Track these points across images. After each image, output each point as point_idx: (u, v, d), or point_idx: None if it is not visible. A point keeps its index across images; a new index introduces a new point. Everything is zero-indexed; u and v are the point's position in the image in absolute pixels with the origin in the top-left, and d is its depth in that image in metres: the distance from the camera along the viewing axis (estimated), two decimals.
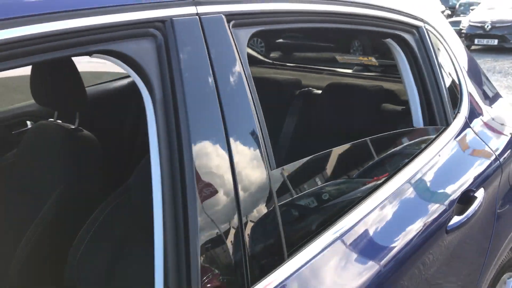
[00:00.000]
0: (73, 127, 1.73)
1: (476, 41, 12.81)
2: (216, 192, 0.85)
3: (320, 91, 2.15)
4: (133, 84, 2.55)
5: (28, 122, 2.15)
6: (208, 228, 0.84)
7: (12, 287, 1.55)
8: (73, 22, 0.73)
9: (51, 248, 1.56)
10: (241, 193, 0.88)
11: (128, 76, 2.60)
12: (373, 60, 2.52)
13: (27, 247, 1.54)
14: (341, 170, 1.24)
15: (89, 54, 0.83)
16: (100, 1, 0.77)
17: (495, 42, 12.43)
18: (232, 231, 0.86)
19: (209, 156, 0.85)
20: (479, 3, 16.29)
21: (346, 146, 1.23)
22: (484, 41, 12.69)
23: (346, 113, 1.88)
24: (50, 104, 1.78)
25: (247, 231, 0.88)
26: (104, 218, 1.40)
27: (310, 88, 2.24)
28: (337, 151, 1.20)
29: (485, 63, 10.66)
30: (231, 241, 0.86)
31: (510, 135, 1.71)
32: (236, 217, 0.87)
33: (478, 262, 1.52)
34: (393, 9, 1.39)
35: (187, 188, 0.81)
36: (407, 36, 1.44)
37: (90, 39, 0.76)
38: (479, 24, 12.69)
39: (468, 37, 12.89)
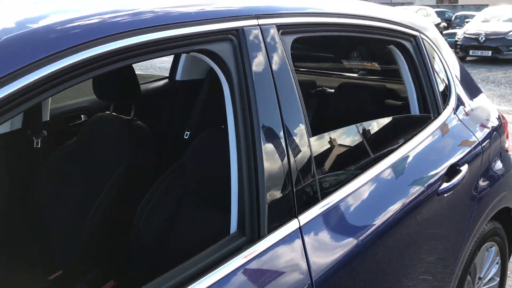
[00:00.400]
0: (129, 117, 2.10)
1: (471, 52, 13.25)
2: (275, 153, 1.21)
3: (332, 90, 2.54)
4: (166, 85, 2.93)
5: (82, 116, 2.51)
6: (271, 180, 1.19)
7: (85, 249, 1.88)
8: (184, 30, 1.10)
9: (117, 216, 1.90)
10: (290, 153, 1.24)
11: (162, 79, 2.98)
12: (375, 66, 2.90)
13: (95, 217, 1.87)
14: (355, 145, 1.61)
15: (188, 52, 1.20)
16: (198, 15, 1.14)
17: (489, 53, 12.87)
18: (286, 182, 1.22)
19: (271, 126, 1.21)
20: (474, 16, 16.78)
21: (359, 126, 1.60)
22: (479, 53, 13.12)
23: (355, 107, 2.26)
24: (110, 97, 2.14)
25: (294, 179, 1.24)
26: (163, 188, 1.75)
27: (324, 88, 2.63)
28: (351, 130, 1.58)
29: (480, 73, 11.06)
30: (286, 189, 1.22)
31: (488, 121, 2.09)
32: (288, 170, 1.22)
33: (463, 227, 1.88)
34: (395, 22, 1.77)
35: (257, 151, 1.17)
36: (406, 43, 1.82)
37: (193, 41, 1.13)
38: (474, 36, 13.14)
39: (463, 48, 13.31)
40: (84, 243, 1.88)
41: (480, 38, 13.10)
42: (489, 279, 2.29)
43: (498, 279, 2.34)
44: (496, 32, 13.08)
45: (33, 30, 0.92)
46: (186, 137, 2.54)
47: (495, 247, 2.24)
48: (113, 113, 2.17)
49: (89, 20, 0.99)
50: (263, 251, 1.13)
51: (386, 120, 1.73)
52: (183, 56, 2.73)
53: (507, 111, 7.03)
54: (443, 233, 1.80)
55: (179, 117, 2.71)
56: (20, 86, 0.84)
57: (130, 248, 1.74)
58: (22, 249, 1.96)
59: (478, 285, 2.20)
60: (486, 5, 19.70)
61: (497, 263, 2.30)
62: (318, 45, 2.86)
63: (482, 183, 1.94)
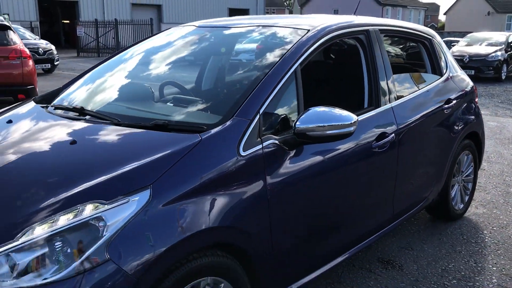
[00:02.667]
0: None
1: None
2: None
3: None
4: None
5: None
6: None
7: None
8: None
9: None
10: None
11: None
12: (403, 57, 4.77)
13: None
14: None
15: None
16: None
17: (472, 72, 14.96)
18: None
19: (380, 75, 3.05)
20: (459, 41, 19.02)
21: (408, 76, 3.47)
22: (463, 71, 15.24)
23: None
24: None
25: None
26: None
27: None
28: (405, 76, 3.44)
29: None
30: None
31: (467, 83, 3.98)
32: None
33: (452, 140, 3.68)
34: (421, 30, 3.67)
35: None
36: (426, 42, 3.71)
37: (348, 34, 2.99)
38: (459, 57, 15.23)
39: None
40: None
41: (464, 59, 15.24)
42: (467, 175, 4.13)
43: (472, 176, 4.19)
44: (478, 54, 15.27)
45: None
46: None
47: (470, 155, 4.09)
48: None
49: None
50: None
51: (420, 75, 3.63)
52: None
53: (485, 114, 8.97)
54: (443, 143, 3.61)
55: None
56: None
57: None
58: None
59: (461, 175, 4.03)
60: (469, 32, 22.09)
61: (471, 166, 4.15)
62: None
63: (462, 114, 3.80)
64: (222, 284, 2.05)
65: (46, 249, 1.68)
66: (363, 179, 2.78)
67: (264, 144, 2.19)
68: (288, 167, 2.27)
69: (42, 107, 2.77)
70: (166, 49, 3.25)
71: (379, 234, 3.06)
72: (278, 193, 2.21)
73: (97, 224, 1.72)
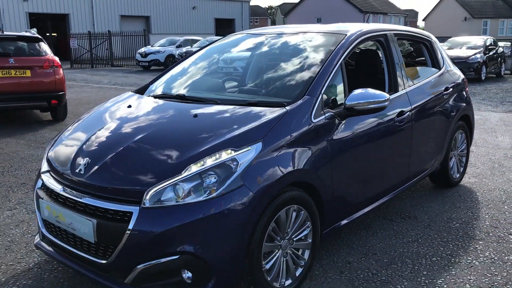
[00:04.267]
0: None
1: None
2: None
3: None
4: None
5: None
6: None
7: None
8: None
9: None
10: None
11: None
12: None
13: None
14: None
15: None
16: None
17: None
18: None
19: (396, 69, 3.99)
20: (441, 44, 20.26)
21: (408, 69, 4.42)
22: (455, 67, 16.44)
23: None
24: None
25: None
26: None
27: None
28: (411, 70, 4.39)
29: None
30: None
31: (459, 75, 4.95)
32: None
33: (450, 121, 4.64)
34: (423, 33, 4.64)
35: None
36: (427, 43, 4.68)
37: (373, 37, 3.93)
38: None
39: None
40: None
41: None
42: (461, 150, 5.09)
43: (466, 151, 5.15)
44: (459, 57, 16.41)
45: None
46: None
47: (463, 134, 5.06)
48: None
49: None
50: None
51: (424, 68, 4.59)
52: None
53: None
54: (443, 122, 4.55)
55: None
56: None
57: None
58: None
59: (456, 150, 4.99)
60: (448, 37, 23.42)
61: (465, 143, 5.12)
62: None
63: (456, 100, 4.76)
64: (302, 212, 2.93)
65: (199, 180, 2.55)
66: (389, 144, 3.70)
67: (326, 115, 3.10)
68: (340, 132, 3.18)
69: (148, 96, 3.65)
70: (228, 52, 4.17)
71: (400, 189, 3.98)
72: (335, 149, 3.11)
73: (231, 164, 2.60)
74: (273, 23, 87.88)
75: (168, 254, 2.49)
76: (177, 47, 25.02)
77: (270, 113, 2.95)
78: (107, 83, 18.02)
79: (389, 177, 3.84)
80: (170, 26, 41.80)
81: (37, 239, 3.23)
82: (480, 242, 3.68)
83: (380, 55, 3.99)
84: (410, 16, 72.71)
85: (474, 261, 3.37)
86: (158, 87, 3.89)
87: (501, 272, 3.22)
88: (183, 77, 3.99)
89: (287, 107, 2.99)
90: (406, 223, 4.06)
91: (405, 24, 54.59)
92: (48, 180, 3.03)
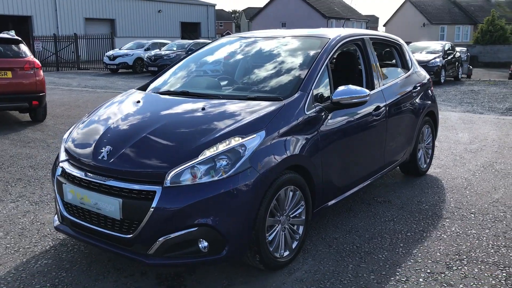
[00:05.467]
0: None
1: None
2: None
3: None
4: None
5: None
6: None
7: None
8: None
9: None
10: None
11: None
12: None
13: None
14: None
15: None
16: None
17: None
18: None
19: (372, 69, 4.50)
20: None
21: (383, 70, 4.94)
22: (422, 68, 17.33)
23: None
24: None
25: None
26: None
27: None
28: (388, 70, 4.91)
29: None
30: None
31: (425, 75, 5.52)
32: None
33: (417, 117, 5.18)
34: (394, 38, 5.18)
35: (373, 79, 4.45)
36: (397, 46, 5.22)
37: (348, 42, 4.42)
38: None
39: None
40: None
41: None
42: (427, 143, 5.66)
43: (432, 144, 5.72)
44: (420, 61, 17.20)
45: None
46: None
47: (429, 128, 5.62)
48: None
49: None
50: None
51: (395, 69, 5.12)
52: None
53: None
54: (412, 117, 5.09)
55: None
56: None
57: None
58: None
59: (424, 143, 5.54)
60: (408, 42, 24.44)
61: (430, 136, 5.69)
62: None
63: (423, 98, 5.32)
64: (298, 192, 3.37)
65: (213, 163, 2.95)
66: (368, 135, 4.19)
67: (316, 108, 3.55)
68: (328, 123, 3.64)
69: (153, 92, 4.02)
70: (221, 52, 4.58)
71: (376, 176, 4.49)
72: (324, 138, 3.56)
73: (240, 149, 3.01)
74: (238, 27, 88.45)
75: (187, 226, 2.88)
76: (145, 50, 25.13)
77: (270, 106, 3.38)
78: (76, 85, 18.04)
79: (368, 164, 4.33)
80: (136, 29, 41.69)
81: (56, 222, 3.54)
82: (447, 220, 4.21)
83: (359, 57, 4.47)
84: (371, 22, 74.62)
85: (442, 235, 3.89)
86: (160, 85, 4.26)
87: (465, 243, 3.74)
88: (182, 77, 4.38)
89: (284, 101, 3.43)
90: (382, 206, 4.56)
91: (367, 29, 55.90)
92: (69, 167, 3.36)
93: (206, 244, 2.93)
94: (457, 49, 21.45)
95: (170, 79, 4.38)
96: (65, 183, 3.29)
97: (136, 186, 2.95)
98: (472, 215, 4.33)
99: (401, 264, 3.40)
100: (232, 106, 3.48)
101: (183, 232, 2.88)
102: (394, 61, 5.42)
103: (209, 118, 3.33)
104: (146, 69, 23.67)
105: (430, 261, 3.43)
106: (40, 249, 3.68)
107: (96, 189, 3.09)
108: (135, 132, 3.29)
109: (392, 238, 3.82)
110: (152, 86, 4.31)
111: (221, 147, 3.02)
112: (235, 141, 3.05)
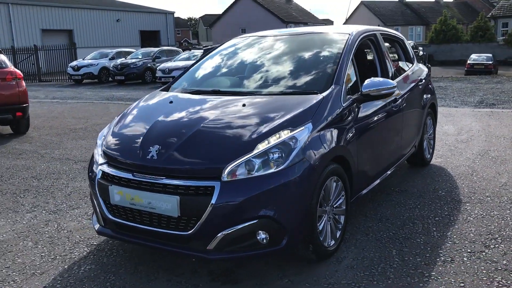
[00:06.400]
0: None
1: None
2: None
3: None
4: None
5: None
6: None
7: None
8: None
9: None
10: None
11: None
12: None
13: None
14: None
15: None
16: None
17: None
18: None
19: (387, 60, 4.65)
20: None
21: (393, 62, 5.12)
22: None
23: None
24: None
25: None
26: None
27: None
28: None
29: None
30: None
31: (425, 70, 5.74)
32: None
33: (423, 110, 5.39)
34: (398, 34, 5.36)
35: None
36: (400, 41, 5.41)
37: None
38: None
39: None
40: None
41: None
42: (430, 134, 5.87)
43: (433, 135, 5.94)
44: None
45: None
46: None
47: (431, 120, 5.84)
48: None
49: None
50: None
51: (404, 63, 5.31)
52: None
53: None
54: (419, 109, 5.29)
55: None
56: None
57: None
58: None
59: (427, 133, 5.75)
60: None
61: (432, 127, 5.90)
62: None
63: (426, 90, 5.53)
64: (340, 183, 3.46)
65: (267, 156, 3.00)
66: (391, 124, 4.34)
67: (349, 100, 3.66)
68: (360, 114, 3.75)
69: (182, 93, 4.02)
70: (241, 51, 4.63)
71: (396, 165, 4.64)
72: (358, 129, 3.67)
73: (291, 142, 3.07)
74: (195, 34, 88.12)
75: (247, 219, 2.91)
76: (110, 59, 24.73)
77: (310, 99, 3.45)
78: (44, 97, 17.57)
79: (391, 154, 4.48)
80: (95, 39, 40.93)
81: (97, 226, 3.48)
82: (467, 204, 4.40)
83: (373, 51, 4.62)
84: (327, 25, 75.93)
85: (468, 217, 4.07)
86: (187, 85, 4.27)
87: (492, 223, 3.92)
88: (206, 77, 4.39)
89: (323, 94, 3.51)
90: (401, 195, 4.71)
91: None
92: (111, 169, 3.32)
93: (264, 236, 2.96)
94: None
95: (195, 79, 4.38)
96: (110, 185, 3.25)
97: (193, 183, 2.95)
98: (489, 198, 4.53)
99: (441, 246, 3.53)
100: (272, 102, 3.53)
101: (244, 225, 2.91)
102: (396, 56, 5.60)
103: (253, 114, 3.37)
104: (113, 78, 23.31)
105: (466, 242, 3.58)
106: (78, 256, 3.61)
107: (148, 189, 3.07)
108: (182, 130, 3.29)
109: (423, 224, 3.96)
110: (176, 87, 4.30)
111: (273, 140, 3.07)
112: (285, 134, 3.11)
